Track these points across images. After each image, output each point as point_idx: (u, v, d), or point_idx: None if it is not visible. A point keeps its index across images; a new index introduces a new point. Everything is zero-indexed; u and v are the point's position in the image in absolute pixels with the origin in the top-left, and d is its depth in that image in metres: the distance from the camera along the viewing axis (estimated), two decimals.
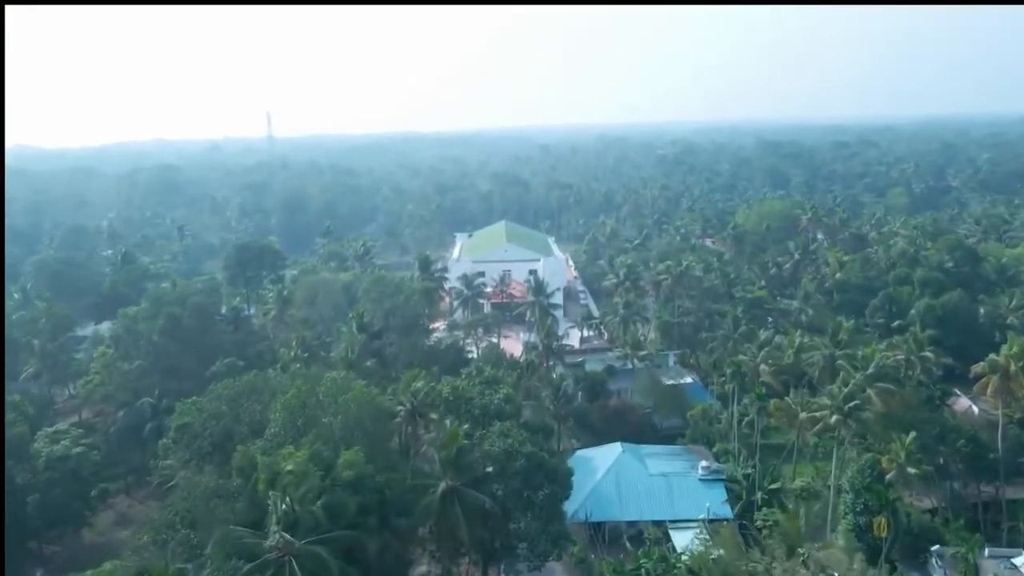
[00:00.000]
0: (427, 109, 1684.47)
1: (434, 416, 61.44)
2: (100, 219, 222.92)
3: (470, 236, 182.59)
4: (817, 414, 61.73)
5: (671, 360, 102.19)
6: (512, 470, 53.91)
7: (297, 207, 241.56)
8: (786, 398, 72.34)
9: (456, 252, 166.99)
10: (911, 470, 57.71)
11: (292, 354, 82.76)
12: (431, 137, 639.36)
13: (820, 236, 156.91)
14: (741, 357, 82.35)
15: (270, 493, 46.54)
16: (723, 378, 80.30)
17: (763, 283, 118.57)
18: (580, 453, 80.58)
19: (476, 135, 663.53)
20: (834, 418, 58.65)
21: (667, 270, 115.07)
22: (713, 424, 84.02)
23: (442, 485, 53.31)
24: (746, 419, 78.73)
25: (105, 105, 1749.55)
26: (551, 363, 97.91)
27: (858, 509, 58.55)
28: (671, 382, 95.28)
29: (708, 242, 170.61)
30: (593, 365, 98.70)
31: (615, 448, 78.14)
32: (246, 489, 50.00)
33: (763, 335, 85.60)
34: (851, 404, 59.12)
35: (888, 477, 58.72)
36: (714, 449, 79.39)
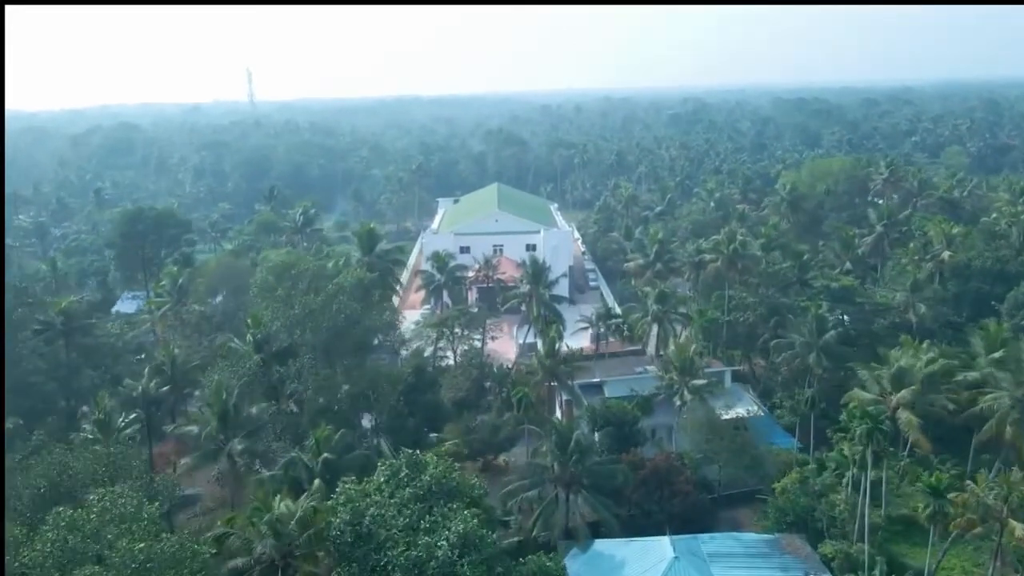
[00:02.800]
0: (423, 72, 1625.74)
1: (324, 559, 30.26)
2: (30, 183, 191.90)
3: (456, 202, 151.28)
4: None
5: (728, 379, 70.77)
6: None
7: (261, 169, 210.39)
8: (972, 487, 40.87)
9: (436, 222, 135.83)
10: None
11: (140, 389, 51.55)
12: (427, 100, 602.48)
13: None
14: (864, 394, 51.01)
15: None
16: (845, 435, 48.79)
17: (848, 266, 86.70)
18: (602, 548, 49.82)
19: (475, 98, 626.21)
20: None
21: (715, 247, 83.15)
22: (810, 495, 53.06)
23: None
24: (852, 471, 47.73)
25: (95, 69, 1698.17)
26: (553, 383, 67.54)
27: None
28: (732, 415, 64.03)
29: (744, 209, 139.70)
30: (616, 390, 67.47)
31: (662, 548, 47.64)
32: None
33: (898, 357, 53.75)
34: None
35: None
36: (822, 549, 48.69)
